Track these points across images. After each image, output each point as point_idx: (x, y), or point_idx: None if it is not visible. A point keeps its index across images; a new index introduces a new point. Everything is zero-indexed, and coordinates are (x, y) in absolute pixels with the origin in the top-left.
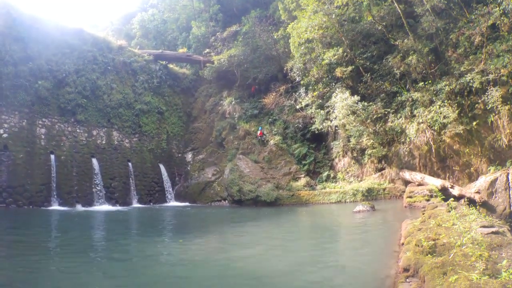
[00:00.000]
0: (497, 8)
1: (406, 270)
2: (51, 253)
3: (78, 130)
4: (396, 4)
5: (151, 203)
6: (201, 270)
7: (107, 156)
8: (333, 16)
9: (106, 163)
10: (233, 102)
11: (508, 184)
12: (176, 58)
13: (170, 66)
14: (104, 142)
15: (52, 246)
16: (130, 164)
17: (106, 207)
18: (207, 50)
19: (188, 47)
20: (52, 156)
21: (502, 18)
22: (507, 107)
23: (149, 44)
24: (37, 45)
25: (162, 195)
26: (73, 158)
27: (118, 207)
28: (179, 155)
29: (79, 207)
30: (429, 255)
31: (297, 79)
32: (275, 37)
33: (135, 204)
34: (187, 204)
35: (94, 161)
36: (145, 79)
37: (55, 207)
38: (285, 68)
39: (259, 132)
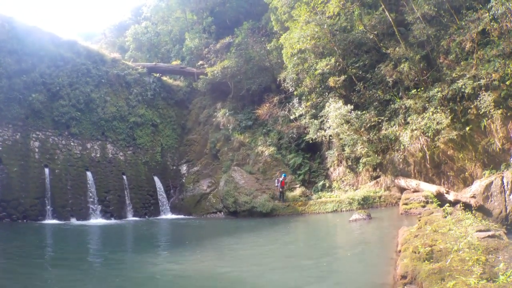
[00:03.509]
0: (487, 14)
1: (403, 277)
2: (43, 270)
3: (72, 143)
4: (387, 13)
5: (147, 216)
6: (201, 283)
7: (102, 169)
8: (325, 26)
9: (100, 176)
10: (227, 114)
11: (503, 187)
12: (170, 71)
13: (164, 78)
14: (98, 155)
15: (44, 262)
16: (124, 177)
17: (101, 220)
18: (201, 62)
19: (181, 59)
20: (46, 170)
21: (492, 23)
22: (499, 111)
23: (142, 56)
24: (31, 58)
25: (157, 207)
26: (67, 172)
27: (113, 221)
28: (174, 167)
29: (74, 221)
30: (426, 261)
31: (291, 89)
32: (268, 48)
33: (130, 217)
34: (182, 216)
35: (89, 174)
36: (139, 92)
37: (50, 221)
38: (278, 79)
39: (281, 180)
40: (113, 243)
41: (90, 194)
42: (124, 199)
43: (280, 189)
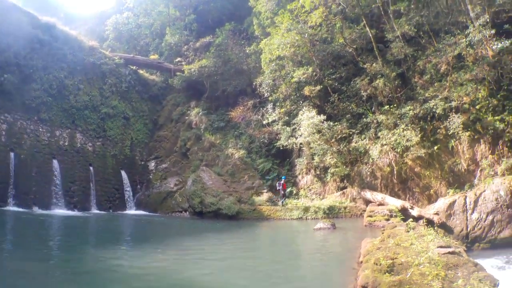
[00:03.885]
0: (464, 40)
1: (364, 287)
2: None
3: (40, 129)
4: (368, 29)
5: (111, 210)
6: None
7: (69, 158)
8: (306, 36)
9: (67, 165)
10: (200, 113)
11: (466, 206)
12: (147, 64)
13: (140, 71)
14: (66, 144)
15: None
16: (91, 168)
17: (64, 211)
18: (179, 58)
19: (160, 54)
20: (12, 154)
21: (468, 49)
22: (467, 134)
23: (121, 47)
24: (7, 37)
25: (122, 202)
26: (33, 158)
27: (76, 212)
28: (142, 162)
29: (36, 210)
30: (387, 273)
31: (266, 94)
32: (247, 51)
33: (94, 210)
34: (147, 213)
35: (55, 162)
36: (114, 83)
37: (11, 207)
38: (254, 83)
39: (282, 183)
40: (73, 236)
41: (55, 183)
42: (89, 191)
43: (282, 192)
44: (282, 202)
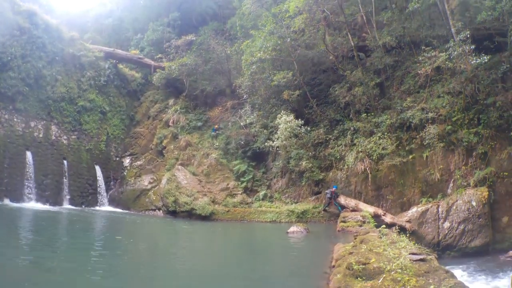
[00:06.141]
0: (443, 53)
1: None
2: None
3: (15, 119)
4: (350, 37)
5: (83, 206)
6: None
7: (43, 151)
8: (288, 40)
9: (40, 158)
10: (178, 111)
11: (438, 215)
12: (127, 59)
13: (120, 66)
14: (41, 136)
15: None
16: (65, 162)
17: (36, 205)
18: (160, 55)
19: (140, 49)
20: None
21: (446, 62)
22: (442, 144)
23: (102, 40)
24: None
25: (95, 198)
26: (6, 148)
27: (48, 206)
28: (117, 158)
29: (7, 202)
30: (359, 278)
31: (245, 96)
32: (228, 52)
33: (66, 205)
34: (120, 210)
35: (29, 154)
36: (92, 76)
37: None
38: (234, 84)
39: (332, 191)
40: (45, 231)
41: (27, 176)
42: (62, 186)
43: (329, 201)
44: (325, 207)
